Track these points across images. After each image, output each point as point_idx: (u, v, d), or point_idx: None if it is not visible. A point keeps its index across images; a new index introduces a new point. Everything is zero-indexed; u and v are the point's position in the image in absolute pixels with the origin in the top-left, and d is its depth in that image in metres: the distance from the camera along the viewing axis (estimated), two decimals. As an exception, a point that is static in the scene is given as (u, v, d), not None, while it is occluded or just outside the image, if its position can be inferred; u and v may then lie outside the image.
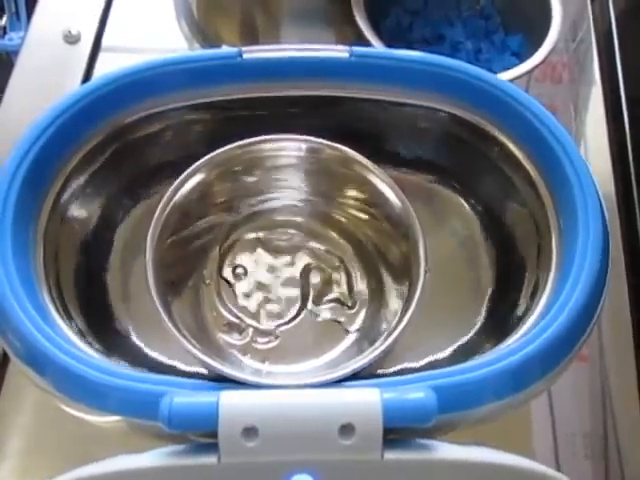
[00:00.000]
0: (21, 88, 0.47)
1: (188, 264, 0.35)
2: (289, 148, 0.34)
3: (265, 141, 0.34)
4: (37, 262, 0.31)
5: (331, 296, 0.35)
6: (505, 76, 0.43)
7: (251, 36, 0.51)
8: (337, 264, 0.36)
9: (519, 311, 0.32)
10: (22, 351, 0.29)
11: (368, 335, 0.34)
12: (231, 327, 0.34)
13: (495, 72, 0.44)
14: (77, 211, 0.34)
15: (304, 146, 0.34)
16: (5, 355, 0.33)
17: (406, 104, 0.36)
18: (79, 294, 0.33)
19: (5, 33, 0.60)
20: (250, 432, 0.24)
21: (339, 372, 0.28)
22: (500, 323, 0.33)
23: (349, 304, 0.35)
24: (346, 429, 0.24)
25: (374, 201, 0.34)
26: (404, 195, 0.33)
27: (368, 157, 0.36)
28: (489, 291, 0.35)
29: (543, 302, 0.30)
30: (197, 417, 0.24)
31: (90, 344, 0.30)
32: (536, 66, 0.44)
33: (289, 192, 0.37)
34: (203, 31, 0.50)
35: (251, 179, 0.36)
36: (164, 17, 0.50)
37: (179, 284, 0.35)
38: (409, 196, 0.37)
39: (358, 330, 0.34)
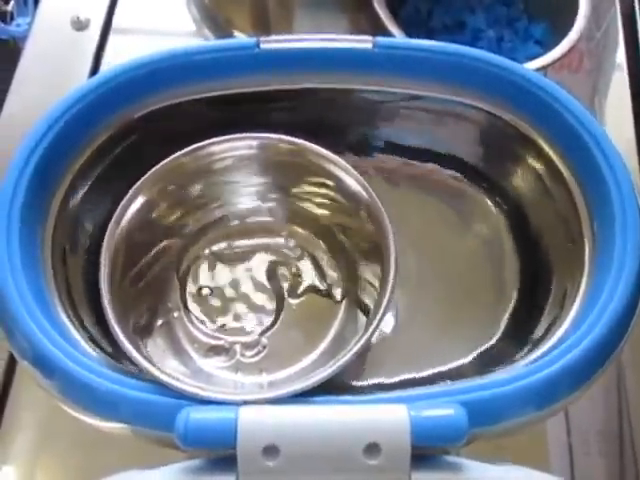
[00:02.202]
0: (29, 76, 0.46)
1: (150, 301, 0.33)
2: (238, 148, 0.33)
3: (211, 144, 0.32)
4: (46, 265, 0.30)
5: (304, 285, 0.34)
6: (530, 66, 0.41)
7: (263, 22, 0.50)
8: (300, 253, 0.35)
9: (547, 319, 0.31)
10: (29, 356, 0.28)
11: (353, 308, 0.33)
12: (215, 351, 0.33)
13: (518, 61, 0.43)
14: (86, 211, 0.33)
15: (254, 143, 0.33)
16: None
17: (431, 98, 0.34)
18: (90, 298, 0.31)
19: (12, 18, 0.58)
20: (271, 451, 0.22)
21: (340, 360, 0.27)
22: (525, 330, 0.32)
23: (324, 288, 0.34)
24: (372, 448, 0.22)
25: (332, 187, 0.33)
26: (364, 179, 0.32)
27: (383, 151, 0.35)
28: (514, 295, 0.34)
29: (574, 311, 0.29)
30: (215, 434, 0.23)
31: (103, 350, 0.29)
32: (563, 56, 0.43)
33: (239, 195, 0.35)
34: (213, 17, 0.49)
35: (198, 189, 0.34)
36: (174, 2, 0.49)
37: (148, 325, 0.33)
38: (434, 193, 0.36)
39: (340, 304, 0.33)
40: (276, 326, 0.33)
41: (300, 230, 0.35)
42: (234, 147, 0.33)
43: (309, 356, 0.32)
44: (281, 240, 0.35)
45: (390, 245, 0.29)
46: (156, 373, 0.26)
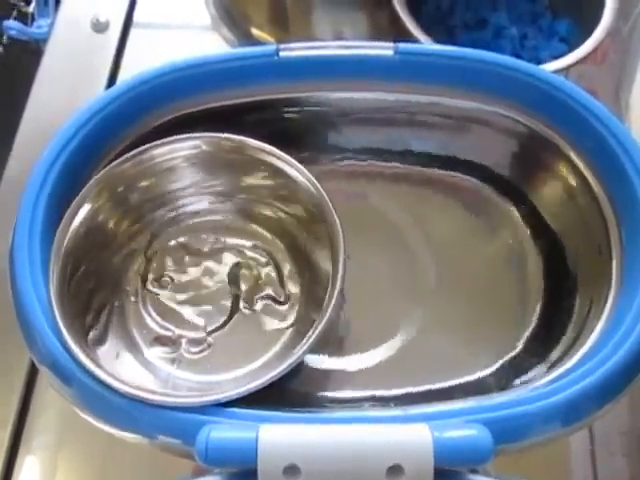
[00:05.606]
0: (50, 77, 0.46)
1: (108, 289, 0.33)
2: (181, 149, 0.32)
3: (153, 147, 0.32)
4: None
5: (262, 294, 0.33)
6: (555, 65, 0.41)
7: (281, 19, 0.50)
8: (265, 260, 0.34)
9: (571, 333, 0.30)
10: (48, 363, 0.28)
11: (303, 328, 0.31)
12: (161, 340, 0.32)
13: (542, 60, 0.42)
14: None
15: (198, 143, 0.32)
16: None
17: (454, 104, 0.34)
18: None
19: (33, 20, 0.58)
20: (292, 470, 0.22)
21: (269, 375, 0.27)
22: (548, 344, 0.31)
23: (282, 300, 0.33)
24: (394, 470, 0.22)
25: (286, 187, 0.32)
26: (313, 177, 0.31)
27: (405, 158, 0.35)
28: (538, 307, 0.33)
29: (600, 327, 0.28)
30: (235, 453, 0.23)
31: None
32: (589, 54, 0.42)
33: (200, 195, 0.35)
34: (232, 14, 0.49)
35: (148, 193, 0.33)
36: (193, 3, 0.49)
37: (103, 308, 0.32)
38: (457, 201, 0.36)
39: (293, 325, 0.32)
40: (226, 328, 0.33)
41: (259, 230, 0.35)
42: (177, 148, 0.32)
43: (251, 364, 0.31)
44: (249, 243, 0.34)
45: (338, 239, 0.29)
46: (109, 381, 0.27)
